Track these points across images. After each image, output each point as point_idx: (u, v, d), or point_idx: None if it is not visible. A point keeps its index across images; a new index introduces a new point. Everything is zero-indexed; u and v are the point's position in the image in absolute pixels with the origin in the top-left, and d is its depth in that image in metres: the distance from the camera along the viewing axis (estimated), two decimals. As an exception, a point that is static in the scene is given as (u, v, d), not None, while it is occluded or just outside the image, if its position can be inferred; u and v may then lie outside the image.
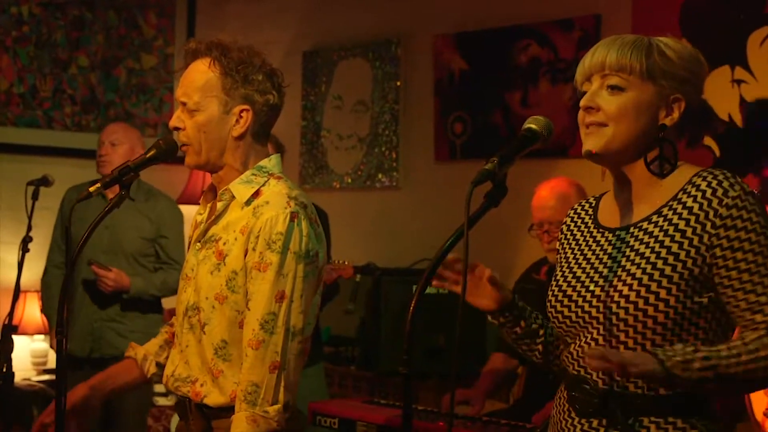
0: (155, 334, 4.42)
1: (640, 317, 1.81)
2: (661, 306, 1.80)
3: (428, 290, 5.16)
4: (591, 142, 1.90)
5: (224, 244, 2.27)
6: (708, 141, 4.29)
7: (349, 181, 5.81)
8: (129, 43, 6.03)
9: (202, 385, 2.28)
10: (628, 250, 1.88)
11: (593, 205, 2.08)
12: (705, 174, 1.86)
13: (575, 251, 2.02)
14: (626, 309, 1.82)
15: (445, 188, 5.22)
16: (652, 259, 1.83)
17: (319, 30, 5.99)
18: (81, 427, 2.43)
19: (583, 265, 1.96)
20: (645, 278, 1.82)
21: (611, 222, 1.98)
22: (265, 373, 2.17)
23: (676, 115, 1.89)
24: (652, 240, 1.85)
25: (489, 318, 2.09)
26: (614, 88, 1.88)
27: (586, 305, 1.89)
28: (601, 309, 1.85)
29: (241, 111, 2.29)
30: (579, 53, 4.78)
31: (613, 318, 1.83)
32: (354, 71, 5.82)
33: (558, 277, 2.00)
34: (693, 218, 1.82)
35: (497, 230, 4.72)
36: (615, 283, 1.85)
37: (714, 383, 1.75)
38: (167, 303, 4.39)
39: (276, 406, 2.17)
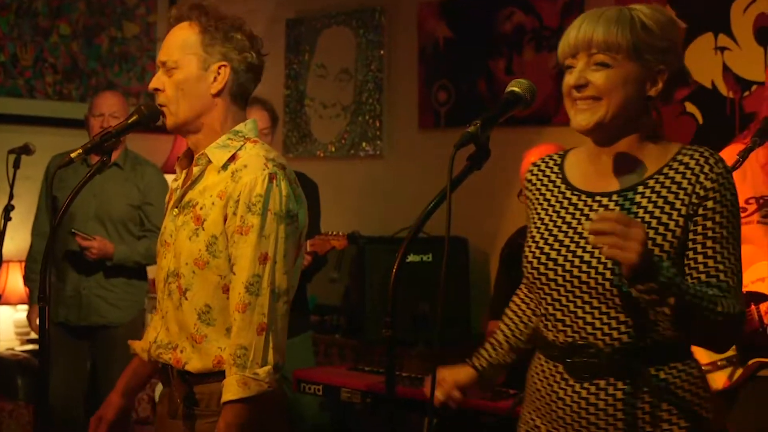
0: (141, 302, 4.44)
1: None
2: None
3: (412, 258, 5.13)
4: (585, 117, 1.92)
5: (201, 209, 2.26)
6: (691, 108, 4.29)
7: (333, 150, 5.79)
8: (111, 11, 5.97)
9: (182, 351, 2.29)
10: None
11: (558, 163, 2.10)
12: (691, 151, 1.94)
13: (549, 212, 2.03)
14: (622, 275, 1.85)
15: (430, 156, 5.20)
16: (646, 228, 1.85)
17: (302, -2, 5.95)
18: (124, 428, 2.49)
19: (564, 228, 1.98)
20: None
21: (587, 186, 2.01)
22: (253, 335, 2.17)
23: (660, 85, 1.94)
24: (642, 210, 1.91)
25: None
26: (601, 65, 1.91)
27: (576, 270, 1.92)
28: (593, 275, 1.90)
29: (219, 67, 2.29)
30: (564, 21, 4.77)
31: (607, 284, 1.88)
32: (338, 39, 5.78)
33: (537, 239, 2.01)
34: (681, 192, 1.91)
35: (482, 197, 4.72)
36: None
37: (675, 304, 1.77)
38: (152, 272, 4.38)
39: (266, 368, 2.17)
